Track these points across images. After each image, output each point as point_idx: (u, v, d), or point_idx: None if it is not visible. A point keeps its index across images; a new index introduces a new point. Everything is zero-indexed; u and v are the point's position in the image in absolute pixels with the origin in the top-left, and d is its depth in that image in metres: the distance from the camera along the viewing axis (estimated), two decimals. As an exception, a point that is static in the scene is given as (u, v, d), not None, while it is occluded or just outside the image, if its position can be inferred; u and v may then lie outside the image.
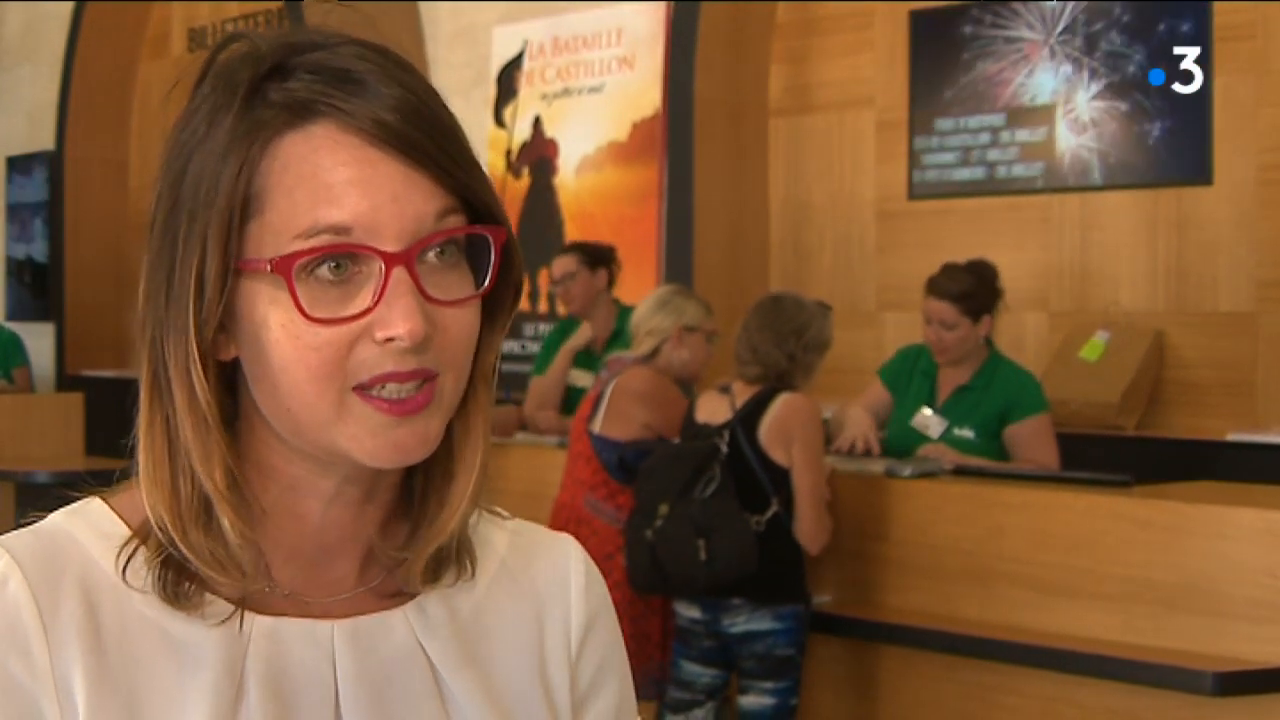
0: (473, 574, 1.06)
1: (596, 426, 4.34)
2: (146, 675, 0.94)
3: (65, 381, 9.45)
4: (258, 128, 0.93)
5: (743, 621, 3.81)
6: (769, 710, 3.81)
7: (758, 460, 3.82)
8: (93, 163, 9.81)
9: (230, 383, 0.98)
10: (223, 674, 0.95)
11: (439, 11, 7.35)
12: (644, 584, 3.92)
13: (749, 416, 3.86)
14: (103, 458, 7.67)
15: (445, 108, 0.97)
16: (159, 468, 0.96)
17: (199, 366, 0.94)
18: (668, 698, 4.00)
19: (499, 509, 1.11)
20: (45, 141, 9.89)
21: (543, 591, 1.10)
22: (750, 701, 3.83)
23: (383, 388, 0.93)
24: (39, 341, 9.48)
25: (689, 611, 3.92)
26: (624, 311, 5.19)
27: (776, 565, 3.80)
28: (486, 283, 0.97)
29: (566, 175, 6.86)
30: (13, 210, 10.26)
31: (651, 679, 4.11)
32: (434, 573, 1.03)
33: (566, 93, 6.88)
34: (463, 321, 0.96)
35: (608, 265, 5.34)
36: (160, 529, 0.95)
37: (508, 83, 7.10)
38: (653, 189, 6.48)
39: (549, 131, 6.95)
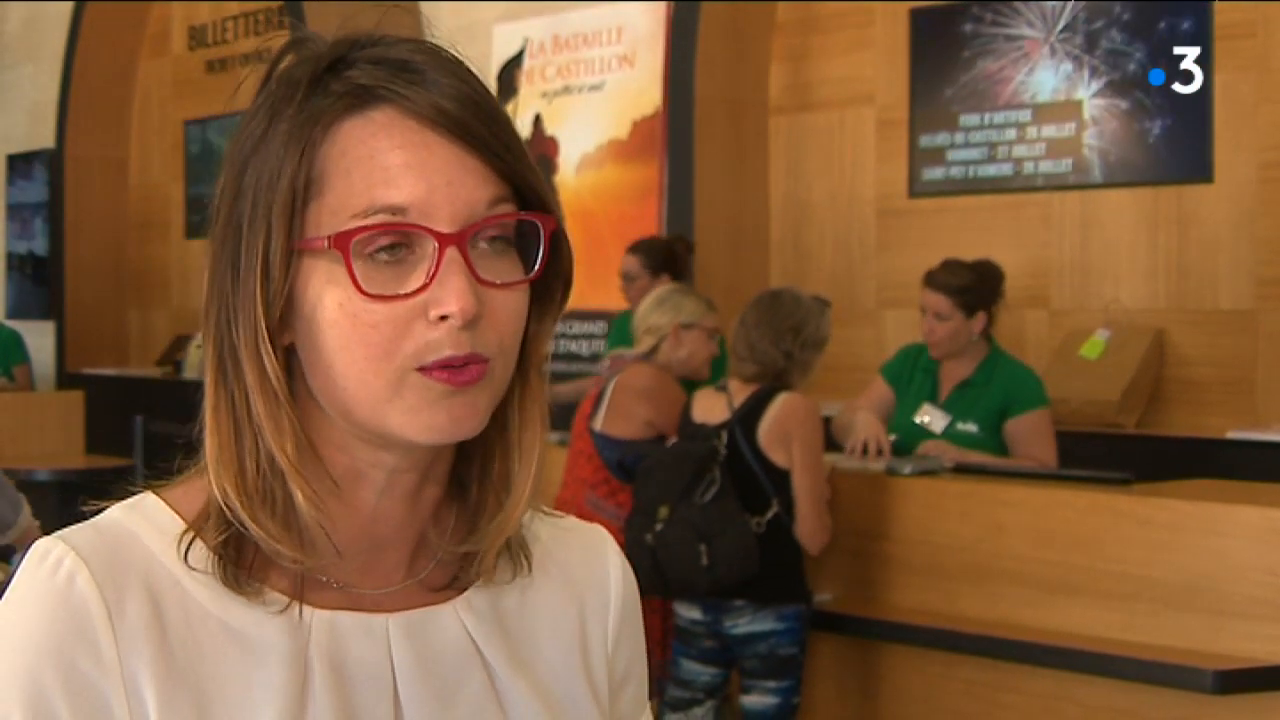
0: (529, 570, 1.08)
1: (598, 424, 4.34)
2: (213, 669, 0.96)
3: (65, 379, 9.45)
4: (319, 115, 0.96)
5: (745, 623, 3.80)
6: (772, 709, 3.81)
7: (757, 462, 3.80)
8: (93, 161, 9.81)
9: (286, 371, 0.99)
10: (289, 665, 0.97)
11: (439, 10, 7.34)
12: (644, 587, 3.88)
13: (747, 417, 3.84)
14: (103, 456, 7.69)
15: (496, 101, 0.99)
16: (225, 448, 0.97)
17: (268, 343, 0.96)
18: (667, 696, 4.00)
19: (541, 504, 1.13)
20: (45, 140, 9.88)
21: (583, 581, 1.12)
22: (753, 700, 3.83)
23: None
24: (39, 339, 9.48)
25: (689, 613, 3.91)
26: None
27: (777, 566, 3.79)
28: (536, 267, 0.99)
29: (567, 173, 6.85)
30: (13, 209, 10.26)
31: (651, 677, 4.10)
32: (495, 566, 1.05)
33: (567, 91, 6.88)
34: (511, 305, 0.98)
35: (672, 269, 5.33)
36: (227, 507, 0.97)
37: (508, 81, 7.09)
38: (653, 187, 6.47)
39: (549, 129, 6.95)
